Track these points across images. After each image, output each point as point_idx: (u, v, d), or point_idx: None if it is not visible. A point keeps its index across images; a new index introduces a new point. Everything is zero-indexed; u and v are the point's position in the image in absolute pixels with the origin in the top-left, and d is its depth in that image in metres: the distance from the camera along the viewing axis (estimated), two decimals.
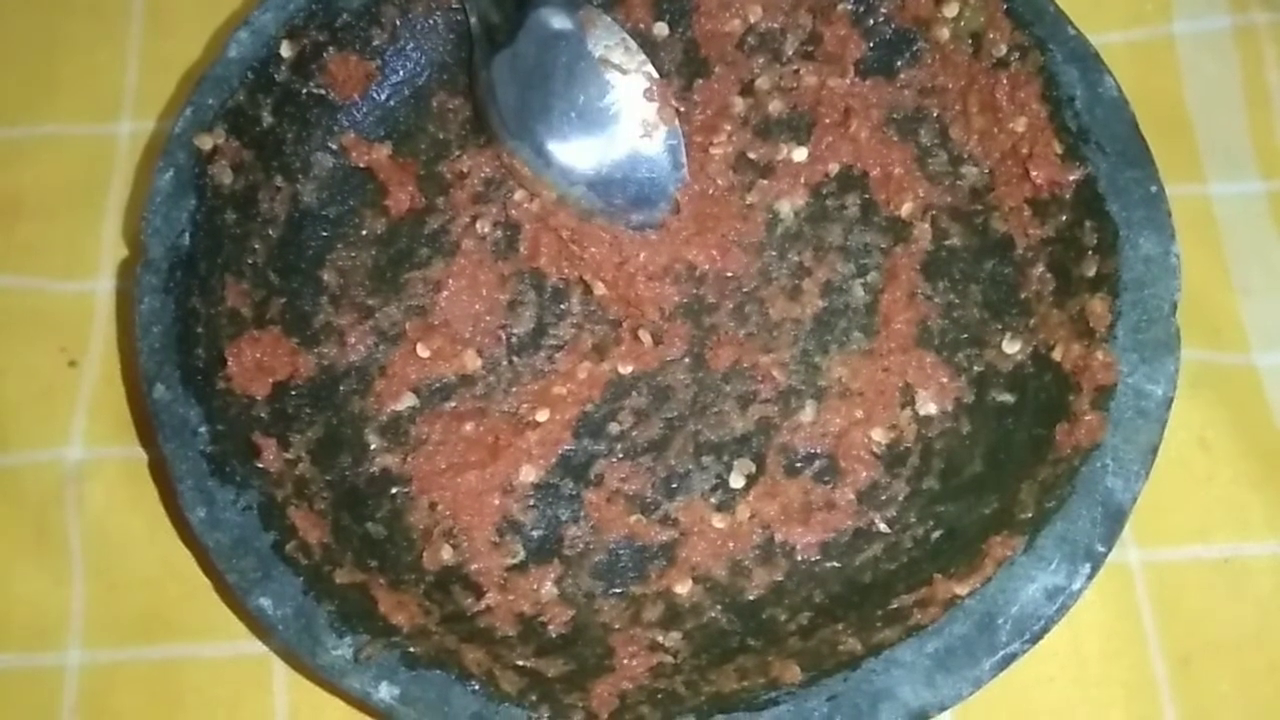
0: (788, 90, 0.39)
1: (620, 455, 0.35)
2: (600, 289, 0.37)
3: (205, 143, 0.35)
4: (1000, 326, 0.35)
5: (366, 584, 0.31)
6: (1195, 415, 0.36)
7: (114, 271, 0.39)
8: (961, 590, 0.29)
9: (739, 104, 0.39)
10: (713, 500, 0.34)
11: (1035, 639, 0.29)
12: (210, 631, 0.34)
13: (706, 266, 0.37)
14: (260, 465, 0.32)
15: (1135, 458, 0.30)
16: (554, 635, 0.32)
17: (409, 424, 0.35)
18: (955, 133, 0.37)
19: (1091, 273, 0.33)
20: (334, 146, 0.38)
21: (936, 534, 0.32)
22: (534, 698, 0.29)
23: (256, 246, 0.36)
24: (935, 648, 0.29)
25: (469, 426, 0.35)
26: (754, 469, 0.34)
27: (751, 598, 0.33)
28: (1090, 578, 0.29)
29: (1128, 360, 0.31)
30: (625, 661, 0.31)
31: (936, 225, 0.37)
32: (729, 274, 0.37)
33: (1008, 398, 0.34)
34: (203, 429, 0.32)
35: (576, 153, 0.37)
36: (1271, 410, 0.36)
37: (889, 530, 0.33)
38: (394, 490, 0.34)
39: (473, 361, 0.36)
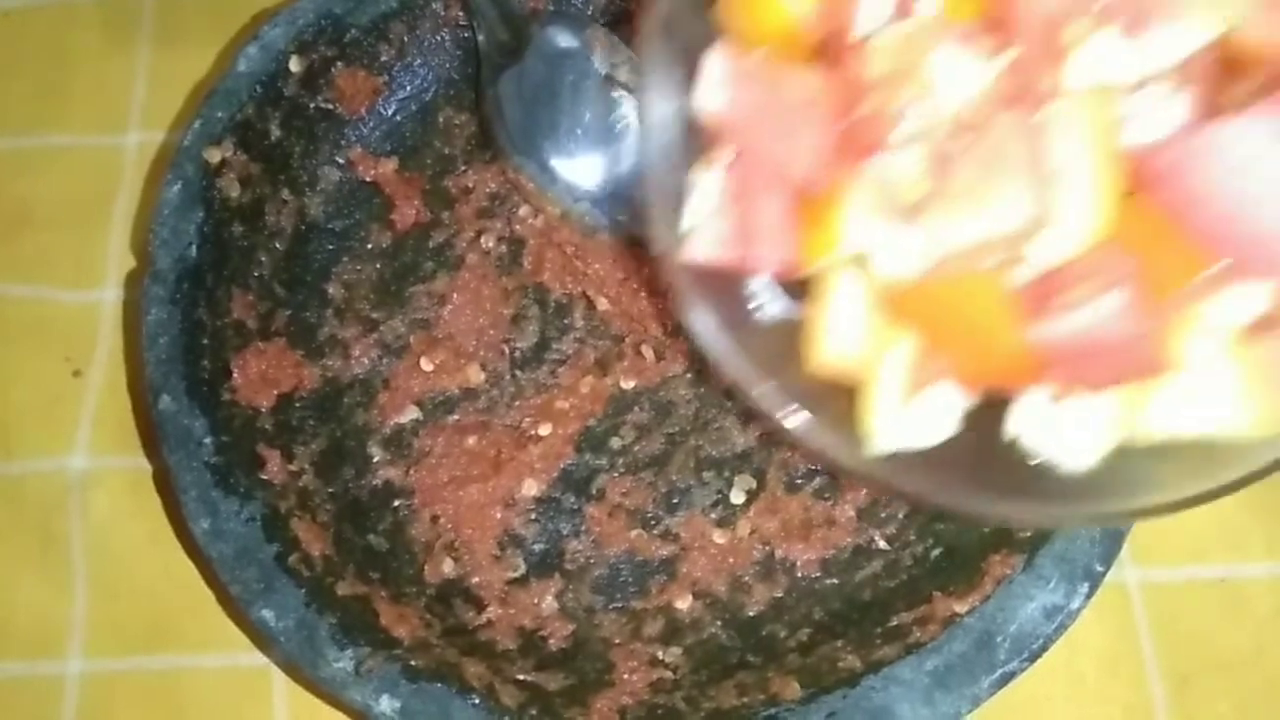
0: None
1: (622, 470, 0.35)
2: (603, 304, 0.37)
3: (214, 156, 0.35)
4: None
5: (368, 596, 0.31)
6: None
7: (120, 282, 0.39)
8: (961, 608, 0.29)
9: None
10: (713, 516, 0.34)
11: (1034, 657, 0.29)
12: (211, 642, 0.34)
13: None
14: (264, 477, 0.32)
15: None
16: (554, 649, 0.32)
17: (412, 437, 0.35)
18: None
19: None
20: (341, 161, 0.38)
21: (936, 552, 0.32)
22: (534, 712, 0.29)
23: (263, 259, 0.36)
24: (934, 665, 0.29)
25: (471, 440, 0.35)
26: (755, 485, 0.35)
27: (751, 614, 0.33)
28: (1088, 597, 0.29)
29: None
30: (625, 676, 0.31)
31: None
32: None
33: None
34: (207, 440, 0.32)
35: (581, 169, 0.37)
36: None
37: (889, 547, 0.33)
38: (396, 503, 0.34)
39: (476, 375, 0.36)
